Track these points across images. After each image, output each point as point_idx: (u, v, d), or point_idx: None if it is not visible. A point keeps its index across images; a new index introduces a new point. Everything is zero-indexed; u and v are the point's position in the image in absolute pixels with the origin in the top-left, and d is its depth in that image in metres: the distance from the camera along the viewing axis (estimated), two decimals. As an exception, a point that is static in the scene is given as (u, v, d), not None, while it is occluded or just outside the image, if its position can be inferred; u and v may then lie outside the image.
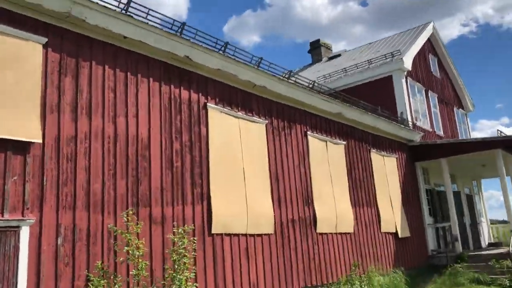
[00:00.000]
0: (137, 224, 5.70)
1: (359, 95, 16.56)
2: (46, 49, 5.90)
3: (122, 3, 6.87)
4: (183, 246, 5.62)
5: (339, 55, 22.59)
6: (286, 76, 10.16)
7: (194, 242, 5.94)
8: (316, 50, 23.72)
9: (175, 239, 5.58)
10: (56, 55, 6.01)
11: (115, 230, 5.64)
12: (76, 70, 6.20)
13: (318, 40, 23.71)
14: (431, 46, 20.44)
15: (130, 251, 5.50)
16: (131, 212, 5.78)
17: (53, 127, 5.80)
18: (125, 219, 5.60)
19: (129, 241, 5.52)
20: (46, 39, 5.88)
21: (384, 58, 16.84)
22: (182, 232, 5.64)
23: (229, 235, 7.90)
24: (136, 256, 5.49)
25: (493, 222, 27.06)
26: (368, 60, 17.31)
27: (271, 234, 8.81)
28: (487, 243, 20.04)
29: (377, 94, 16.65)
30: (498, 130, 14.04)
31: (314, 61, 23.71)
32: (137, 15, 7.15)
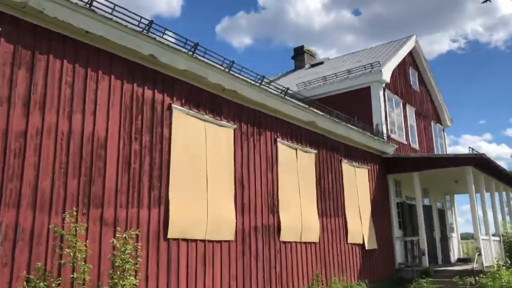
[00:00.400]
0: (84, 224, 5.51)
1: (337, 104, 16.56)
2: (-1, 39, 5.67)
3: (85, -4, 6.66)
4: (127, 252, 5.43)
5: (321, 63, 22.59)
6: (259, 81, 10.03)
7: (138, 248, 5.74)
8: (299, 56, 23.68)
9: (118, 244, 5.38)
10: (10, 46, 5.78)
11: (57, 231, 5.42)
12: (31, 62, 5.98)
13: (302, 47, 23.67)
14: (412, 59, 20.55)
15: (71, 253, 5.31)
16: (75, 213, 5.58)
17: (1, 121, 5.57)
18: (67, 219, 5.39)
19: (71, 243, 5.33)
20: (-1, 29, 5.66)
21: (364, 69, 16.86)
22: (127, 236, 5.45)
23: (186, 240, 7.73)
24: (78, 259, 5.31)
25: (466, 237, 27.33)
26: (347, 70, 17.30)
27: (232, 241, 8.66)
28: (456, 259, 20.19)
29: (355, 104, 16.65)
30: (469, 147, 14.15)
31: (296, 67, 23.66)
32: (102, 10, 6.96)
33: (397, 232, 15.32)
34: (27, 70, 5.91)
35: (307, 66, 23.09)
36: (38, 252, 5.68)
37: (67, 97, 6.30)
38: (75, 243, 5.38)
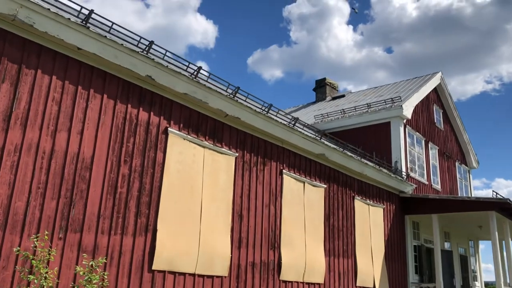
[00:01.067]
0: (54, 250, 5.11)
1: (355, 139, 16.06)
2: (-17, 51, 5.49)
3: (83, 13, 6.49)
4: (94, 281, 4.97)
5: (343, 96, 22.14)
6: (266, 109, 9.65)
7: (105, 278, 5.27)
8: (321, 88, 23.33)
9: (82, 272, 4.94)
10: (-5, 58, 5.58)
11: (24, 255, 5.01)
12: (17, 76, 5.76)
13: (324, 79, 23.33)
14: (437, 97, 19.90)
15: (35, 281, 4.89)
16: (46, 237, 5.20)
17: (-23, 134, 5.32)
18: (35, 243, 5.01)
19: (37, 269, 4.92)
20: (-15, 41, 5.48)
21: (384, 104, 16.32)
22: (93, 264, 5.01)
23: (173, 273, 7.24)
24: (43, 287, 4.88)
25: (494, 285, 25.70)
26: (367, 104, 16.79)
27: (225, 276, 8.11)
28: (478, 309, 18.88)
29: (374, 139, 16.08)
30: (493, 191, 13.28)
31: (317, 99, 23.29)
32: (100, 28, 6.77)
33: (412, 277, 14.39)
34: (11, 84, 5.69)
35: (328, 98, 22.69)
36: (4, 277, 5.30)
37: (52, 114, 6.04)
38: (41, 270, 4.97)
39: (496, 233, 13.00)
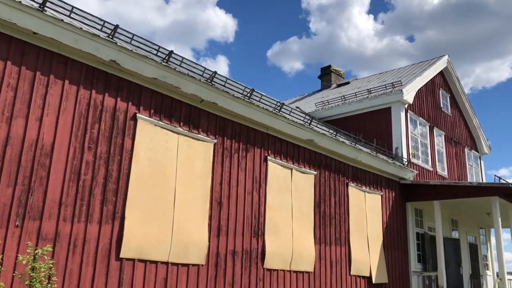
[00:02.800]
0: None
1: (357, 125, 15.75)
2: None
3: (39, -3, 6.35)
4: (42, 269, 4.86)
5: (347, 83, 21.70)
6: (248, 94, 9.41)
7: (52, 266, 5.14)
8: (326, 76, 22.89)
9: (24, 261, 4.83)
10: None
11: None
12: (-32, 63, 5.66)
13: (329, 66, 22.88)
14: (443, 81, 19.29)
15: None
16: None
17: None
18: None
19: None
20: None
21: (385, 89, 15.87)
22: (40, 252, 4.89)
23: (144, 261, 7.10)
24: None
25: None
26: (368, 89, 16.36)
27: (202, 265, 7.95)
28: (489, 299, 18.36)
29: (374, 125, 15.69)
30: (495, 175, 12.76)
31: (323, 87, 22.88)
32: (60, 12, 6.63)
33: (415, 265, 14.01)
34: (-38, 70, 5.60)
35: (333, 86, 22.27)
36: (-45, 265, 5.24)
37: (8, 100, 5.92)
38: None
39: (499, 219, 12.51)
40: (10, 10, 5.85)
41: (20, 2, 5.88)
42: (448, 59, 19.04)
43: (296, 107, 17.78)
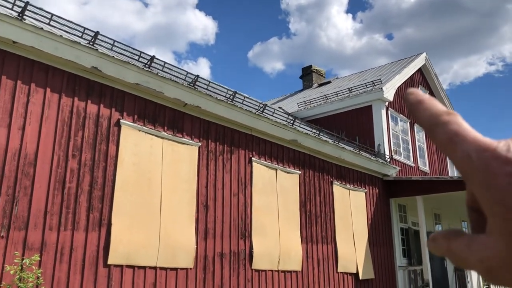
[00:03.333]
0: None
1: (339, 123, 15.90)
2: None
3: (18, 6, 6.31)
4: (30, 279, 4.85)
5: (329, 82, 21.91)
6: (231, 97, 9.46)
7: (39, 276, 5.14)
8: (307, 76, 23.08)
9: (12, 271, 4.81)
10: None
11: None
12: None
13: (310, 66, 23.08)
14: (422, 78, 19.64)
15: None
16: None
17: None
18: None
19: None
20: None
21: (365, 87, 16.08)
22: (27, 262, 4.88)
23: (132, 267, 7.10)
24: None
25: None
26: (349, 88, 16.56)
27: (190, 268, 7.97)
28: (473, 290, 18.69)
29: (357, 123, 15.89)
30: (475, 169, 13.01)
31: (304, 87, 23.06)
32: (39, 20, 6.60)
33: (400, 260, 14.23)
34: None
35: (315, 85, 22.46)
36: None
37: (-11, 110, 5.89)
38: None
39: (480, 211, 12.77)
40: (-11, 20, 5.81)
41: (-2, 11, 5.85)
42: (426, 57, 19.39)
43: (279, 107, 17.89)
